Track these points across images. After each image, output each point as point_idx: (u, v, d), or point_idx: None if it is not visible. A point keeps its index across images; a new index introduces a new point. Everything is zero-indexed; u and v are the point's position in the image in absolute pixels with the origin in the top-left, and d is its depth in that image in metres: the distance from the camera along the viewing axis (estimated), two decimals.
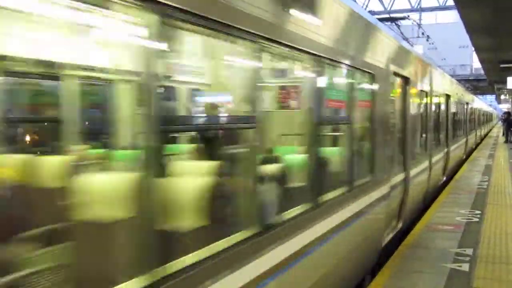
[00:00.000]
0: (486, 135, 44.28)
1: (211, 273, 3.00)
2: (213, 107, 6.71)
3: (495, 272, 6.61)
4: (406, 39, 28.60)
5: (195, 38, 4.84)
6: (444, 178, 14.64)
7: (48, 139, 5.52)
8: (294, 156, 5.06)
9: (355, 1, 21.59)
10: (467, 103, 24.88)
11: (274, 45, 3.86)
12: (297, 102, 7.23)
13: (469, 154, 25.31)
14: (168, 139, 4.61)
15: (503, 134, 36.75)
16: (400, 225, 8.31)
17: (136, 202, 2.80)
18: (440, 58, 41.59)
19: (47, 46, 4.28)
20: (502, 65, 25.62)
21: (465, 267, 6.81)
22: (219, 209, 3.51)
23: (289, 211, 4.29)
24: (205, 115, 6.79)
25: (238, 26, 3.28)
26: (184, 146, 5.99)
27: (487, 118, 53.79)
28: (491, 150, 27.43)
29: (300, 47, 4.23)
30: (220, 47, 5.20)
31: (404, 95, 8.69)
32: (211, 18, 3.00)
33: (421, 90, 10.74)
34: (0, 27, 3.27)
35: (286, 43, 3.99)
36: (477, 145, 32.43)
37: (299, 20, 4.24)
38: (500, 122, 62.06)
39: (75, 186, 3.26)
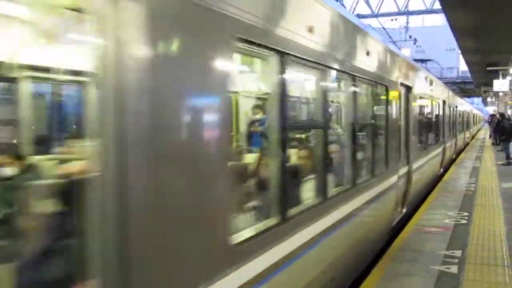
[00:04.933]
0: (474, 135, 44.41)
1: None
2: None
3: (483, 274, 6.64)
4: (393, 42, 28.85)
5: None
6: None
7: None
8: None
9: (343, 5, 21.67)
10: (456, 106, 24.70)
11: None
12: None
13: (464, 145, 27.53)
14: None
15: (490, 136, 37.05)
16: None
17: None
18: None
19: None
20: (488, 68, 25.86)
21: (454, 269, 6.83)
22: None
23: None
24: None
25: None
26: None
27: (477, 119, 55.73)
28: (479, 152, 27.63)
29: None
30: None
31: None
32: None
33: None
34: None
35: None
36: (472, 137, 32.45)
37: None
38: (486, 124, 62.65)
39: None
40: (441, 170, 16.98)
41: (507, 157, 21.17)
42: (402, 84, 9.48)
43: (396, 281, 6.43)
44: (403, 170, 9.49)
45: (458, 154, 25.31)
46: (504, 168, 19.19)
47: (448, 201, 12.11)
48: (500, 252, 7.60)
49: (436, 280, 6.40)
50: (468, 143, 33.76)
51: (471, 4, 13.16)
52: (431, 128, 15.08)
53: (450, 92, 22.79)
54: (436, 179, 15.51)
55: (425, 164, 12.59)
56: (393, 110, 8.66)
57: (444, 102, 17.94)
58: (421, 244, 8.17)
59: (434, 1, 41.72)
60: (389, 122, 8.29)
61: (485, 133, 50.78)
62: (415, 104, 11.29)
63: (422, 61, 33.63)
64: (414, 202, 11.16)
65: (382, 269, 6.88)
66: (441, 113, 17.16)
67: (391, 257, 7.43)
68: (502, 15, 14.19)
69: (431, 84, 14.56)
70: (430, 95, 14.30)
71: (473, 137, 42.09)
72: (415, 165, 10.65)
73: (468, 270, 6.77)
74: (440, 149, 16.41)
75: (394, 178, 8.52)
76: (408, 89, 10.31)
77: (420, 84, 12.17)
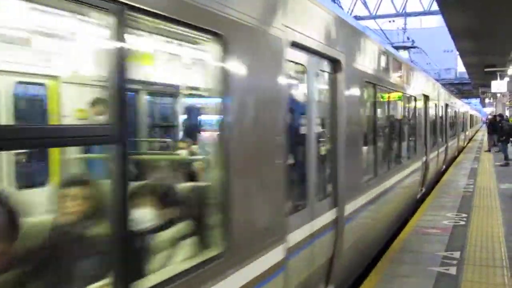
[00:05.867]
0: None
1: None
2: None
3: (482, 275, 6.65)
4: (392, 44, 28.85)
5: None
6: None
7: None
8: None
9: (341, 7, 21.73)
10: (447, 105, 20.53)
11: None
12: None
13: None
14: None
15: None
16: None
17: None
18: (425, 62, 42.00)
19: None
20: (486, 69, 25.89)
21: (453, 270, 6.84)
22: None
23: None
24: None
25: None
26: None
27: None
28: (476, 153, 27.67)
29: None
30: None
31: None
32: None
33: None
34: None
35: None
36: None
37: None
38: (484, 125, 62.73)
39: None
40: (423, 189, 12.76)
41: (505, 158, 21.20)
42: (299, 47, 4.56)
43: (394, 283, 6.43)
44: (317, 224, 4.98)
45: (452, 161, 21.83)
46: (502, 169, 19.22)
47: (447, 202, 12.11)
48: (498, 253, 7.61)
49: (434, 281, 6.41)
50: (463, 147, 31.56)
51: (469, 5, 13.18)
52: (400, 135, 10.16)
53: (438, 86, 18.10)
54: (416, 203, 11.84)
55: (384, 195, 7.92)
56: (256, 101, 3.76)
57: (427, 98, 13.47)
58: (420, 246, 8.18)
59: (432, 3, 41.79)
60: (235, 130, 3.43)
61: (483, 134, 50.86)
62: (357, 96, 6.48)
63: (405, 48, 30.61)
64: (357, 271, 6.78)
65: (381, 271, 6.88)
66: (422, 114, 12.70)
67: (390, 259, 7.44)
68: (499, 17, 14.21)
69: (398, 68, 9.52)
70: (397, 85, 9.37)
71: (470, 140, 41.94)
72: (353, 206, 6.09)
73: (467, 271, 6.78)
74: (419, 164, 11.80)
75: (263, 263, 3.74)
76: (334, 64, 5.57)
77: (367, 59, 7.10)
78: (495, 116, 30.41)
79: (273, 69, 4.00)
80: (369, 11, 43.55)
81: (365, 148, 7.11)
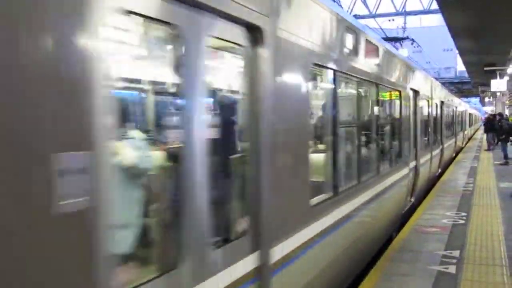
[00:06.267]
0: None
1: None
2: None
3: (481, 274, 6.65)
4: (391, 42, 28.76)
5: None
6: None
7: None
8: None
9: (340, 5, 21.73)
10: (442, 102, 18.15)
11: None
12: None
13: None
14: None
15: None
16: None
17: None
18: (425, 61, 42.01)
19: None
20: (486, 68, 25.94)
21: (452, 269, 6.84)
22: None
23: None
24: None
25: None
26: None
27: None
28: (476, 152, 27.68)
29: None
30: None
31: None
32: None
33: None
34: None
35: None
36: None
37: None
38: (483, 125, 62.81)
39: None
40: (412, 200, 11.11)
41: (505, 157, 21.21)
42: None
43: (394, 282, 6.43)
44: (212, 286, 3.13)
45: (449, 164, 20.42)
46: (502, 168, 19.23)
47: (446, 201, 12.12)
48: (498, 252, 7.62)
49: (434, 280, 6.41)
50: (462, 148, 30.10)
51: (469, 5, 13.20)
52: (377, 138, 8.11)
53: (432, 81, 15.83)
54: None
55: (349, 219, 5.98)
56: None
57: (417, 94, 11.63)
58: (419, 245, 8.18)
59: (432, 2, 41.79)
60: None
61: (482, 133, 50.88)
62: (299, 83, 4.55)
63: (396, 39, 28.44)
64: None
65: (381, 270, 6.88)
66: (409, 112, 10.64)
67: (389, 258, 7.44)
68: (499, 16, 14.24)
69: (375, 54, 7.58)
70: (371, 75, 7.35)
71: (469, 139, 41.85)
72: (291, 244, 4.21)
73: (466, 270, 6.78)
74: (405, 171, 9.97)
75: None
76: (252, 33, 3.63)
77: (320, 34, 5.17)
78: (493, 114, 30.43)
79: (72, 23, 2.08)
80: (368, 10, 43.52)
81: (316, 158, 5.35)
